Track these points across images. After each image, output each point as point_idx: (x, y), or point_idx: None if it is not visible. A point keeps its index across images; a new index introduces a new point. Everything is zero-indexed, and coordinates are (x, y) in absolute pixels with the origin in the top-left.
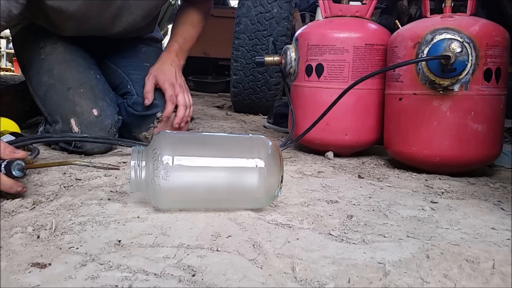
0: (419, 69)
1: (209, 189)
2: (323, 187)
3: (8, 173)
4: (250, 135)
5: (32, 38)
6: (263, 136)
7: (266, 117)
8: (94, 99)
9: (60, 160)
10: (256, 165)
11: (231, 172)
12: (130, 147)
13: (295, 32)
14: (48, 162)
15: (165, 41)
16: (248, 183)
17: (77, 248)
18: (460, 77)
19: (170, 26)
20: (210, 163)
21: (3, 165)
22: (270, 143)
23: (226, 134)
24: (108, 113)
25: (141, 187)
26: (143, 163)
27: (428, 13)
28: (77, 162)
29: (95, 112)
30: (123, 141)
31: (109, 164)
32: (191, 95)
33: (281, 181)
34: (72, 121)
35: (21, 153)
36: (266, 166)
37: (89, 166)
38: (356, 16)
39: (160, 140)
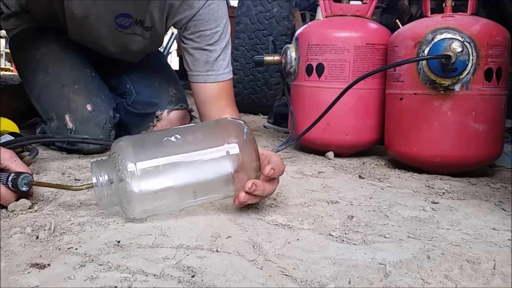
0: (420, 69)
1: (182, 187)
2: (324, 187)
3: (15, 187)
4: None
5: (28, 40)
6: (232, 119)
7: (266, 117)
8: (88, 95)
9: (67, 185)
10: (228, 152)
11: (203, 164)
12: None
13: (295, 32)
14: (54, 184)
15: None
16: (222, 172)
17: (76, 249)
18: (461, 77)
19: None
20: (179, 159)
21: (10, 179)
22: (245, 128)
23: (194, 124)
24: (102, 108)
25: (113, 201)
26: (106, 177)
27: (429, 13)
28: (83, 187)
29: (88, 107)
30: None
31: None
32: (191, 95)
33: (259, 168)
34: (67, 117)
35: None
36: (240, 151)
37: (92, 187)
38: (357, 16)
39: (120, 148)
